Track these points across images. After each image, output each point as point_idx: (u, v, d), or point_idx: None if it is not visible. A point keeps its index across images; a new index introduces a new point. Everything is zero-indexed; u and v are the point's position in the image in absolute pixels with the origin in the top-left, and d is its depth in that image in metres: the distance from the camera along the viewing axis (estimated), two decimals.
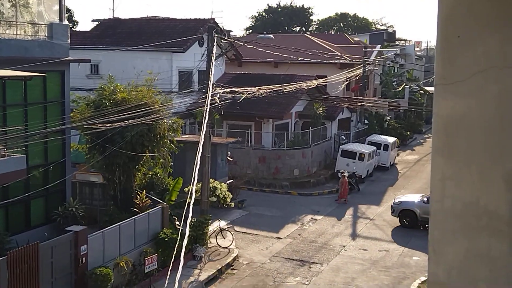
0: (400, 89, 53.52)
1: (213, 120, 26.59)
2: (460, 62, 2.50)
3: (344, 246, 23.92)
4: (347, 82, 41.33)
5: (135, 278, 18.95)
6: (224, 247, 22.73)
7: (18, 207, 20.07)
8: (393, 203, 27.38)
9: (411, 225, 26.15)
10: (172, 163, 24.11)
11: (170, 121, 22.95)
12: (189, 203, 9.32)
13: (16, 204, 19.59)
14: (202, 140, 11.44)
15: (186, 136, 30.17)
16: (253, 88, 26.21)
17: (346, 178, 30.93)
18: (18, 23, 20.08)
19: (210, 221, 22.80)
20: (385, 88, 54.67)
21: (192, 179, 10.00)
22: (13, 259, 15.04)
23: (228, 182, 29.00)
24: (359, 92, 44.07)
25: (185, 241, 8.57)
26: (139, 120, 19.95)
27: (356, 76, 41.41)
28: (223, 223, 24.58)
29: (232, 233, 23.85)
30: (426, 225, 24.29)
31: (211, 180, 25.48)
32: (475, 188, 2.49)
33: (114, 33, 37.40)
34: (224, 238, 23.26)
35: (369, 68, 44.65)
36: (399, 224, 26.66)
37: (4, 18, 19.80)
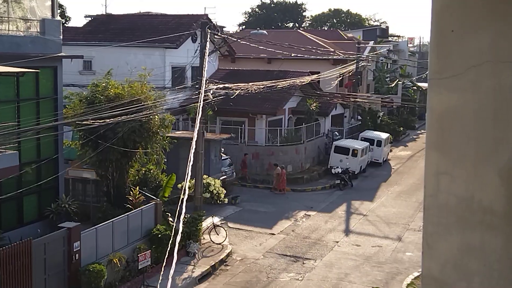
0: (393, 85, 53.65)
1: (206, 116, 26.57)
2: (454, 57, 2.49)
3: (337, 242, 23.96)
4: (340, 78, 41.35)
5: (129, 275, 18.93)
6: (217, 243, 22.72)
7: (10, 203, 19.96)
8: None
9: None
10: (166, 160, 24.07)
11: (161, 117, 22.86)
12: (182, 199, 9.30)
13: (9, 200, 19.49)
14: (196, 136, 11.41)
15: (180, 132, 30.11)
16: (246, 84, 26.17)
17: (282, 169, 31.48)
18: (10, 18, 19.95)
19: (203, 217, 22.78)
20: (378, 84, 54.77)
21: (186, 175, 9.97)
22: (5, 256, 14.98)
23: (221, 178, 28.99)
24: (352, 88, 44.10)
25: (178, 238, 8.55)
26: (132, 116, 19.88)
27: (349, 72, 41.44)
28: (216, 219, 24.56)
29: (226, 229, 23.84)
30: None
31: (204, 176, 25.46)
32: (469, 182, 2.48)
33: (107, 29, 37.24)
34: (218, 234, 23.25)
35: (362, 64, 44.68)
36: (393, 222, 26.87)
37: None
